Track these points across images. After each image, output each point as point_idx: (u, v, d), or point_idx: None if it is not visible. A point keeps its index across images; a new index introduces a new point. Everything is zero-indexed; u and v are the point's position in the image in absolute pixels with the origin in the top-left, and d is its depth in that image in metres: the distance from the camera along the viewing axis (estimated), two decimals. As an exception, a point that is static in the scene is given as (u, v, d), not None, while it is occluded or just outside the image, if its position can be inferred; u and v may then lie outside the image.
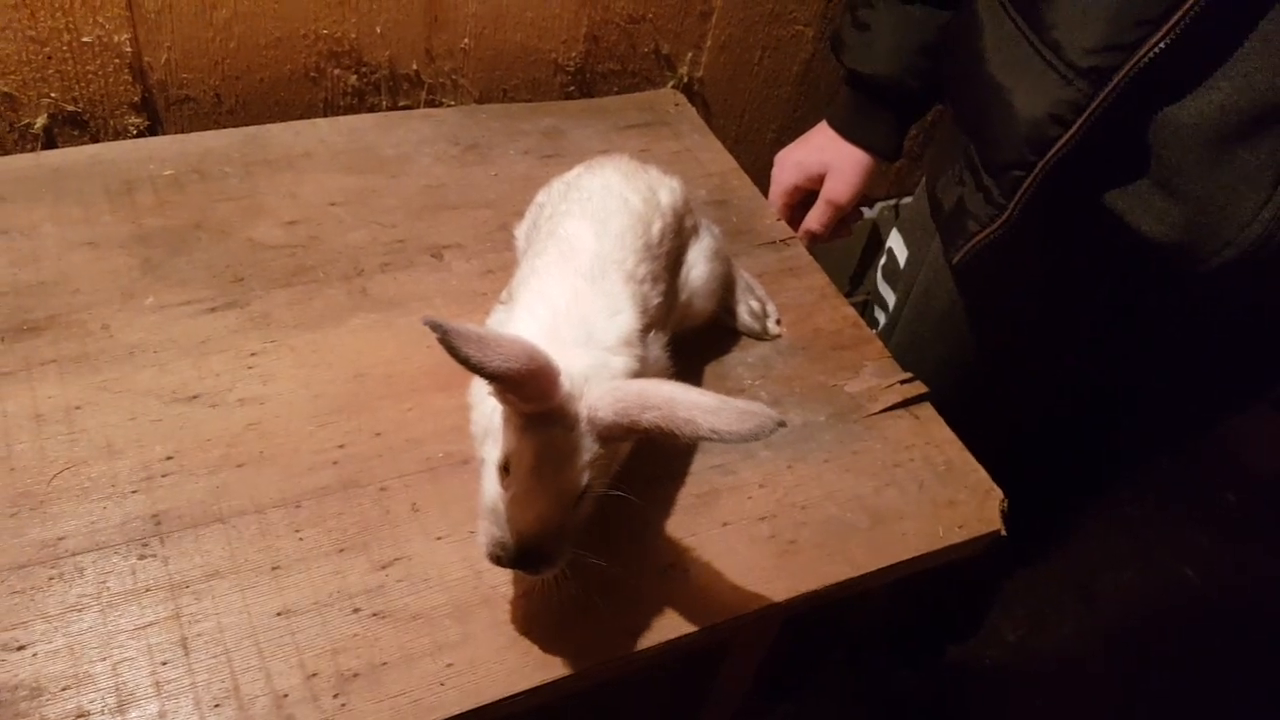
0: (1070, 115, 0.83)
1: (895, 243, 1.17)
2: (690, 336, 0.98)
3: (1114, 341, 1.03)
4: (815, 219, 1.13)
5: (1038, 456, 1.17)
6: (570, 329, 0.79)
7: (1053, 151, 0.85)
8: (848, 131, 1.09)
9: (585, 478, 0.71)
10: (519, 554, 0.71)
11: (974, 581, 1.60)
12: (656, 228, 0.90)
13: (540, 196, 0.98)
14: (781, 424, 0.66)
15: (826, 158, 1.11)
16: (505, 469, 0.72)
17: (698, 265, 0.97)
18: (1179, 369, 1.01)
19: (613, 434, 0.71)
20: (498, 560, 0.72)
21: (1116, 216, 0.87)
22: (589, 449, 0.71)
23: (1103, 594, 2.07)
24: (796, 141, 1.16)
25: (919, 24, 1.02)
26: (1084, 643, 1.98)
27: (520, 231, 1.00)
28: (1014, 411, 1.14)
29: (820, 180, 1.12)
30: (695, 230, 0.99)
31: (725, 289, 1.03)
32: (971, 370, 1.10)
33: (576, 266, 0.84)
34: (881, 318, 1.21)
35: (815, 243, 1.16)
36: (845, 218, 1.15)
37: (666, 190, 0.94)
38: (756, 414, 0.66)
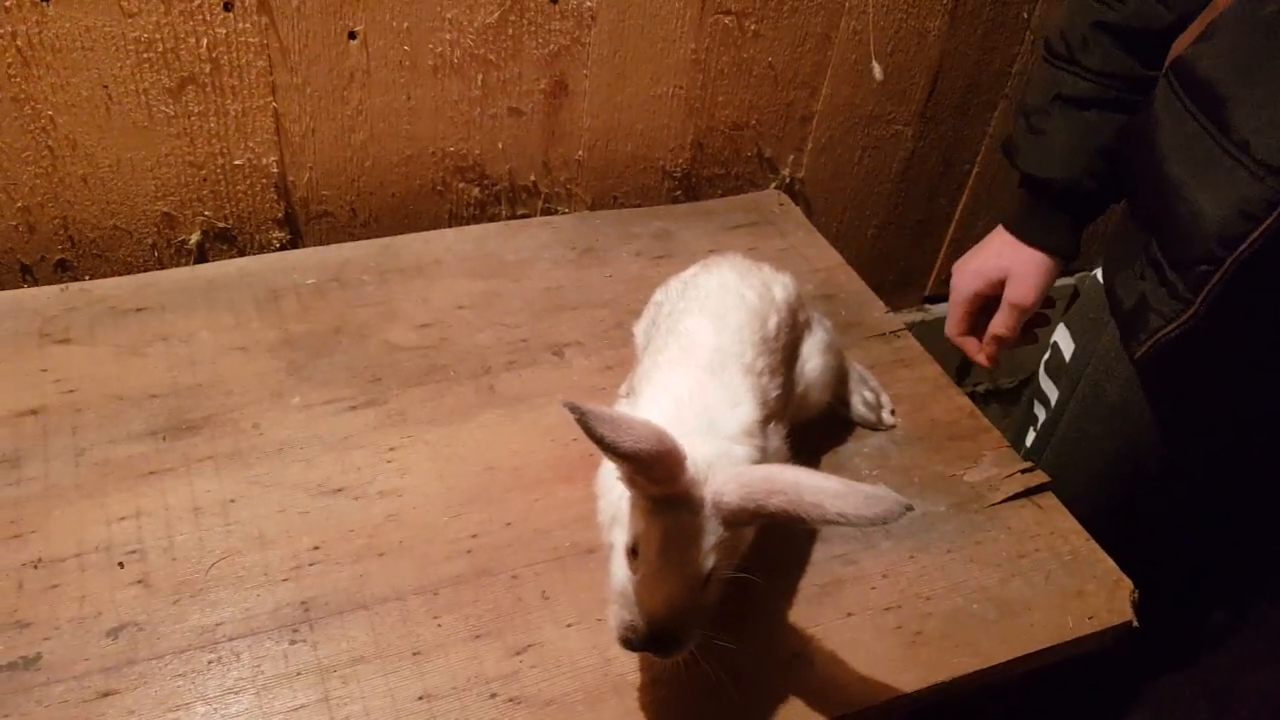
0: (1261, 212, 0.83)
1: (1061, 337, 1.16)
2: (806, 427, 0.99)
3: None
4: (1000, 324, 1.12)
5: (1199, 553, 1.14)
6: (694, 419, 0.82)
7: (1243, 247, 0.85)
8: (1025, 234, 1.10)
9: (711, 560, 0.73)
10: (649, 636, 0.72)
11: (1098, 678, 1.54)
12: (772, 322, 0.93)
13: (658, 295, 1.03)
14: (909, 508, 0.67)
15: (1005, 263, 1.10)
16: (634, 552, 0.74)
17: (812, 358, 1.00)
18: None
19: (739, 518, 0.72)
20: (628, 644, 0.73)
21: None
22: (714, 532, 0.72)
23: (1239, 698, 1.95)
24: (972, 250, 1.15)
25: (1095, 129, 1.03)
26: (1219, 748, 1.86)
27: (639, 329, 1.04)
28: (1184, 508, 1.11)
29: (1000, 285, 1.11)
30: (808, 324, 1.02)
31: (839, 380, 1.05)
32: (1142, 466, 1.08)
33: (697, 360, 0.87)
34: (1042, 414, 1.19)
35: (1002, 349, 1.15)
36: (1029, 321, 1.15)
37: (780, 286, 0.98)
38: (883, 498, 0.68)
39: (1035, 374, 1.23)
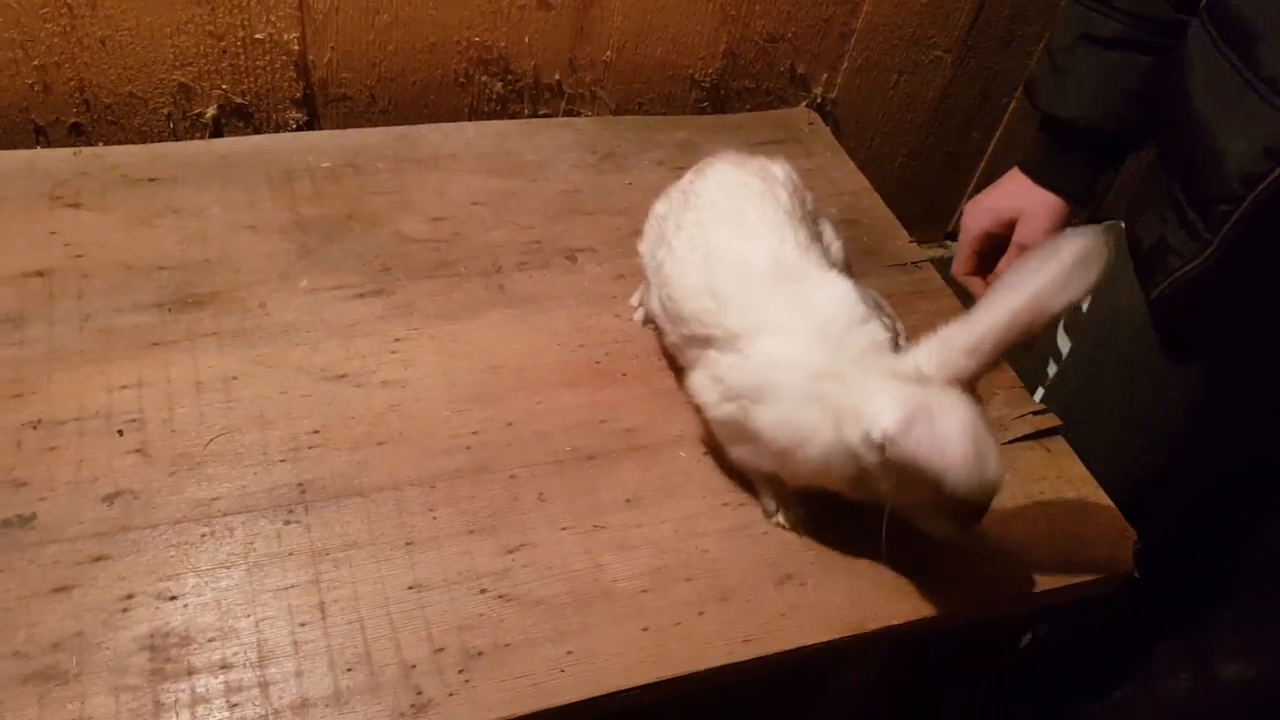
0: None
1: None
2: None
3: None
4: (1007, 265, 1.11)
5: (1204, 512, 1.13)
6: (828, 330, 0.81)
7: (1263, 185, 0.83)
8: (1040, 176, 1.08)
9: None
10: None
11: (1085, 627, 1.55)
12: (783, 195, 0.90)
13: (660, 207, 0.98)
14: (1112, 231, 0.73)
15: (1018, 203, 1.09)
16: None
17: (834, 241, 0.96)
18: None
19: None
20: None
21: None
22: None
23: (1220, 656, 1.97)
24: (986, 189, 1.13)
25: (1120, 70, 1.00)
26: (1197, 707, 1.89)
27: (645, 247, 0.98)
28: (1189, 464, 1.10)
29: (1011, 226, 1.09)
30: (819, 212, 0.99)
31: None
32: (1147, 420, 1.07)
33: (761, 271, 0.84)
34: (1052, 369, 1.17)
35: None
36: None
37: (778, 166, 0.95)
38: (1092, 255, 0.73)
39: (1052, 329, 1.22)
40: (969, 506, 0.76)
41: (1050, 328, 1.22)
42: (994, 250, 1.13)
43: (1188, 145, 0.92)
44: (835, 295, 0.83)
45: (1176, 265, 0.93)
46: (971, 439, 0.71)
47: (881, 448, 0.72)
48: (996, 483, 0.73)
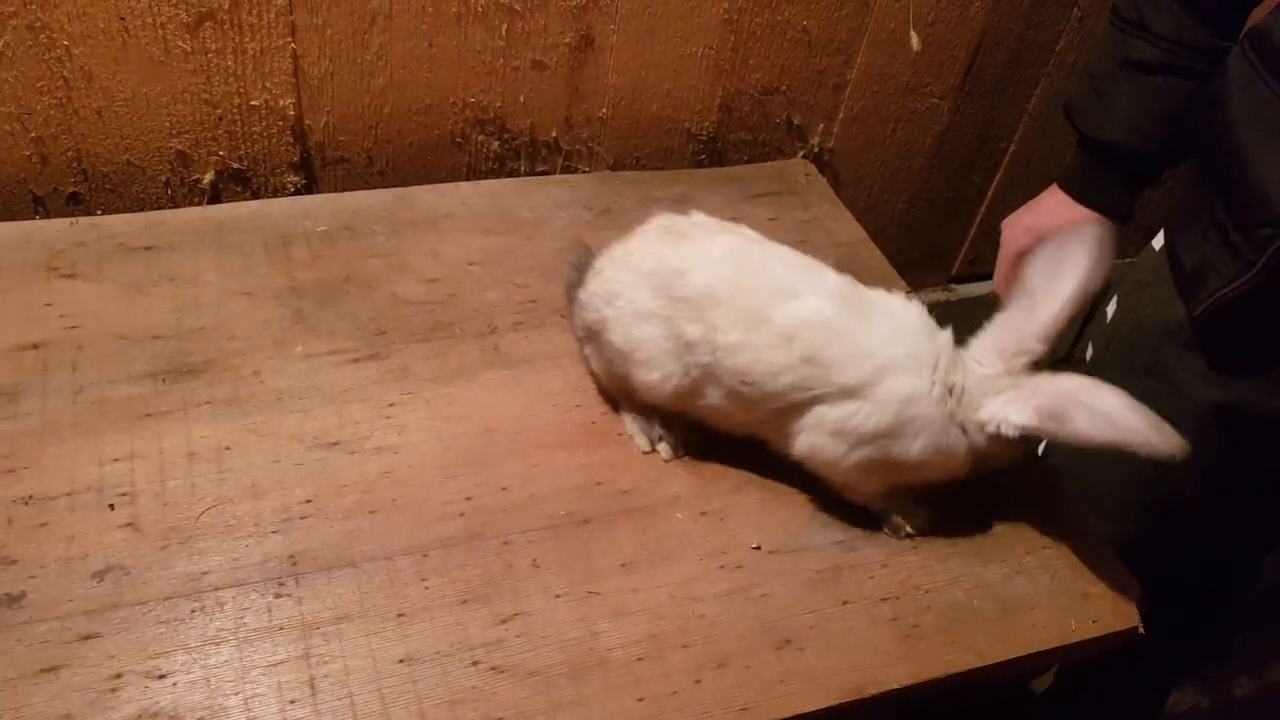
0: None
1: (1110, 305, 1.15)
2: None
3: None
4: None
5: (1222, 533, 1.12)
6: (924, 348, 0.87)
7: None
8: (1079, 194, 1.09)
9: None
10: None
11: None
12: (754, 232, 0.95)
13: (635, 295, 0.92)
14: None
15: (1059, 220, 1.09)
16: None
17: None
18: None
19: None
20: None
21: None
22: None
23: (1244, 696, 1.93)
24: (1025, 207, 1.15)
25: (1160, 94, 1.02)
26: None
27: (590, 316, 0.96)
28: (1209, 475, 1.09)
29: None
30: None
31: None
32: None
33: (837, 317, 0.86)
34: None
35: None
36: None
37: (702, 216, 0.99)
38: (1108, 243, 0.84)
39: (1075, 341, 1.22)
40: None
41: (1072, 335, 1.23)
42: None
43: (1229, 170, 0.93)
44: (909, 313, 0.89)
45: (1219, 285, 0.94)
46: (1134, 407, 0.78)
47: (1009, 440, 0.84)
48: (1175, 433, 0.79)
